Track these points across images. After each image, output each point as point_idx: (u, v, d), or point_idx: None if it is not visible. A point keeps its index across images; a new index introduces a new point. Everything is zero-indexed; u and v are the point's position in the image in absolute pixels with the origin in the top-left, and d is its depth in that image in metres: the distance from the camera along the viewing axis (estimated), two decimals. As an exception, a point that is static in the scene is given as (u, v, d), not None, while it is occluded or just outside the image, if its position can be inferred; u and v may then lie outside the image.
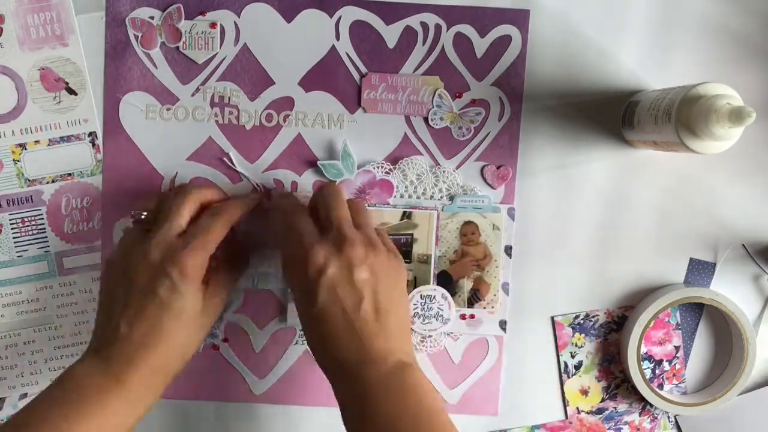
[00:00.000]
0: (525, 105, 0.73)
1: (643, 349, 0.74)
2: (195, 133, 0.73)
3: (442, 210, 0.73)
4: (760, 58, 0.72)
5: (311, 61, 0.73)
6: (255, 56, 0.72)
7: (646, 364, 0.75)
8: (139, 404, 0.63)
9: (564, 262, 0.74)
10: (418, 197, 0.73)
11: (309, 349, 0.67)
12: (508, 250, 0.74)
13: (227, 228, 0.66)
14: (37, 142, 0.73)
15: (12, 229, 0.73)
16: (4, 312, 0.74)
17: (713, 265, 0.74)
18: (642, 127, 0.67)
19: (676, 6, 0.72)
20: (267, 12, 0.72)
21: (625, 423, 0.76)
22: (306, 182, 0.73)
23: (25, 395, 0.75)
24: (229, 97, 0.73)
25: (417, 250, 0.73)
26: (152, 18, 0.72)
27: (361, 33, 0.72)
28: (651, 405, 0.75)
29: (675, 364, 0.75)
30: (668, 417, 0.76)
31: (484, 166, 0.74)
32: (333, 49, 0.73)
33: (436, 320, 0.74)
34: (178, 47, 0.72)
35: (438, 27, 0.72)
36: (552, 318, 0.75)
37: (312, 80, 0.73)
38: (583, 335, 0.75)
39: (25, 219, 0.73)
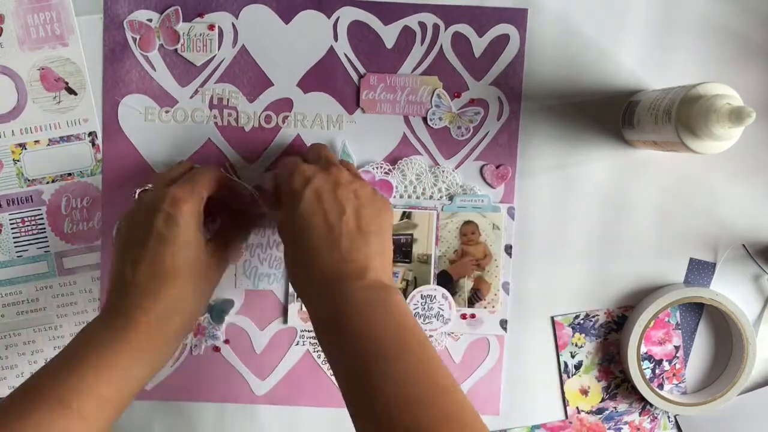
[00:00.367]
0: (524, 104, 0.73)
1: (643, 349, 0.74)
2: (194, 135, 0.73)
3: (442, 210, 0.73)
4: (760, 58, 0.72)
5: (310, 62, 0.72)
6: (253, 58, 0.72)
7: (646, 364, 0.75)
8: (144, 359, 0.62)
9: (564, 262, 0.74)
10: (417, 197, 0.73)
11: (289, 274, 0.65)
12: (508, 249, 0.74)
13: (215, 177, 0.67)
14: (37, 142, 0.73)
15: (12, 229, 0.73)
16: (4, 312, 0.74)
17: (713, 265, 0.74)
18: (642, 127, 0.67)
19: (676, 6, 0.72)
20: (265, 13, 0.72)
21: (625, 423, 0.76)
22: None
23: (26, 396, 0.75)
24: (228, 99, 0.73)
25: (417, 250, 0.73)
26: (150, 20, 0.72)
27: (359, 33, 0.72)
28: (651, 405, 0.75)
29: (675, 364, 0.75)
30: (668, 417, 0.76)
31: (483, 165, 0.73)
32: (331, 49, 0.72)
33: (437, 320, 0.74)
34: (176, 49, 0.72)
35: (436, 27, 0.72)
36: (552, 318, 0.75)
37: (310, 81, 0.73)
38: (583, 335, 0.75)
39: (25, 219, 0.73)
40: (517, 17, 0.72)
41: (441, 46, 0.72)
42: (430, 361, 0.57)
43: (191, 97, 0.73)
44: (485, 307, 0.74)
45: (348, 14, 0.72)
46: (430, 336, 0.74)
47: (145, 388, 0.74)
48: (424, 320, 0.73)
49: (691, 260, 0.74)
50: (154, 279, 0.62)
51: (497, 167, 0.73)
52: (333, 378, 0.75)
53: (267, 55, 0.72)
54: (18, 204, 0.73)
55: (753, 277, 0.74)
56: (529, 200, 0.74)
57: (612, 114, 0.73)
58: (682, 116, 0.60)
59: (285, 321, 0.74)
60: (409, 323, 0.59)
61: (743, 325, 0.72)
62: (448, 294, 0.74)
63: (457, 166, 0.74)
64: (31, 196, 0.73)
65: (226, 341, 0.75)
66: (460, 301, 0.74)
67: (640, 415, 0.76)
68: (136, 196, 0.71)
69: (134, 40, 0.72)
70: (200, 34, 0.72)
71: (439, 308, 0.74)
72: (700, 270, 0.74)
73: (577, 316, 0.75)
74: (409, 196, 0.73)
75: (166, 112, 0.73)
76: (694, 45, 0.72)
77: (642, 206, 0.74)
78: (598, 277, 0.74)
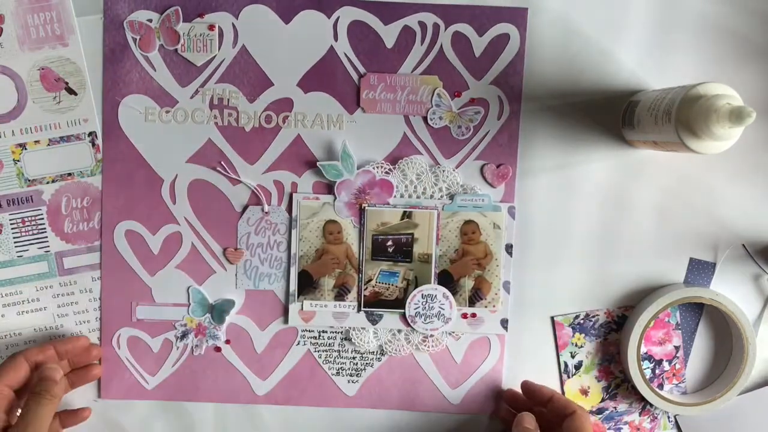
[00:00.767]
0: (524, 104, 0.73)
1: (643, 349, 0.74)
2: (194, 135, 0.73)
3: (443, 209, 0.73)
4: (760, 58, 0.72)
5: (310, 62, 0.72)
6: (253, 58, 0.72)
7: (646, 364, 0.75)
8: None
9: (564, 262, 0.74)
10: (418, 197, 0.73)
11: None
12: (509, 248, 0.74)
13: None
14: (37, 142, 0.73)
15: (12, 229, 0.73)
16: (4, 312, 0.74)
17: (713, 265, 0.74)
18: (642, 127, 0.67)
19: (675, 6, 0.72)
20: (265, 13, 0.72)
21: (625, 423, 0.76)
22: (306, 183, 0.73)
23: (26, 396, 0.75)
24: (228, 99, 0.73)
25: (418, 249, 0.73)
26: (150, 21, 0.72)
27: (359, 33, 0.72)
28: (651, 405, 0.75)
29: (675, 364, 0.75)
30: (668, 417, 0.76)
31: (483, 164, 0.73)
32: (331, 49, 0.72)
33: (438, 319, 0.74)
34: (176, 50, 0.72)
35: (436, 26, 0.72)
36: (552, 318, 0.75)
37: (311, 81, 0.73)
38: (583, 335, 0.75)
39: (25, 219, 0.73)
40: (517, 17, 0.72)
41: (441, 45, 0.72)
42: None
43: (191, 97, 0.73)
44: (486, 307, 0.74)
45: (348, 14, 0.72)
46: (431, 335, 0.74)
47: (147, 388, 0.75)
48: (425, 320, 0.73)
49: (691, 260, 0.74)
50: None
51: (498, 167, 0.73)
52: (333, 378, 0.75)
53: (267, 55, 0.72)
54: (18, 204, 0.73)
55: (753, 277, 0.74)
56: (530, 200, 0.74)
57: (612, 114, 0.73)
58: (682, 116, 0.60)
59: (286, 321, 0.74)
60: None
61: (743, 325, 0.72)
62: (449, 293, 0.74)
63: (458, 166, 0.74)
64: (31, 196, 0.73)
65: (227, 341, 0.75)
66: (461, 301, 0.74)
67: (640, 415, 0.76)
68: None
69: (134, 40, 0.72)
70: (200, 35, 0.72)
71: (440, 308, 0.74)
72: (700, 270, 0.74)
73: (577, 316, 0.75)
74: (410, 196, 0.73)
75: (167, 112, 0.73)
76: (693, 45, 0.72)
77: (642, 206, 0.74)
78: (598, 277, 0.74)
